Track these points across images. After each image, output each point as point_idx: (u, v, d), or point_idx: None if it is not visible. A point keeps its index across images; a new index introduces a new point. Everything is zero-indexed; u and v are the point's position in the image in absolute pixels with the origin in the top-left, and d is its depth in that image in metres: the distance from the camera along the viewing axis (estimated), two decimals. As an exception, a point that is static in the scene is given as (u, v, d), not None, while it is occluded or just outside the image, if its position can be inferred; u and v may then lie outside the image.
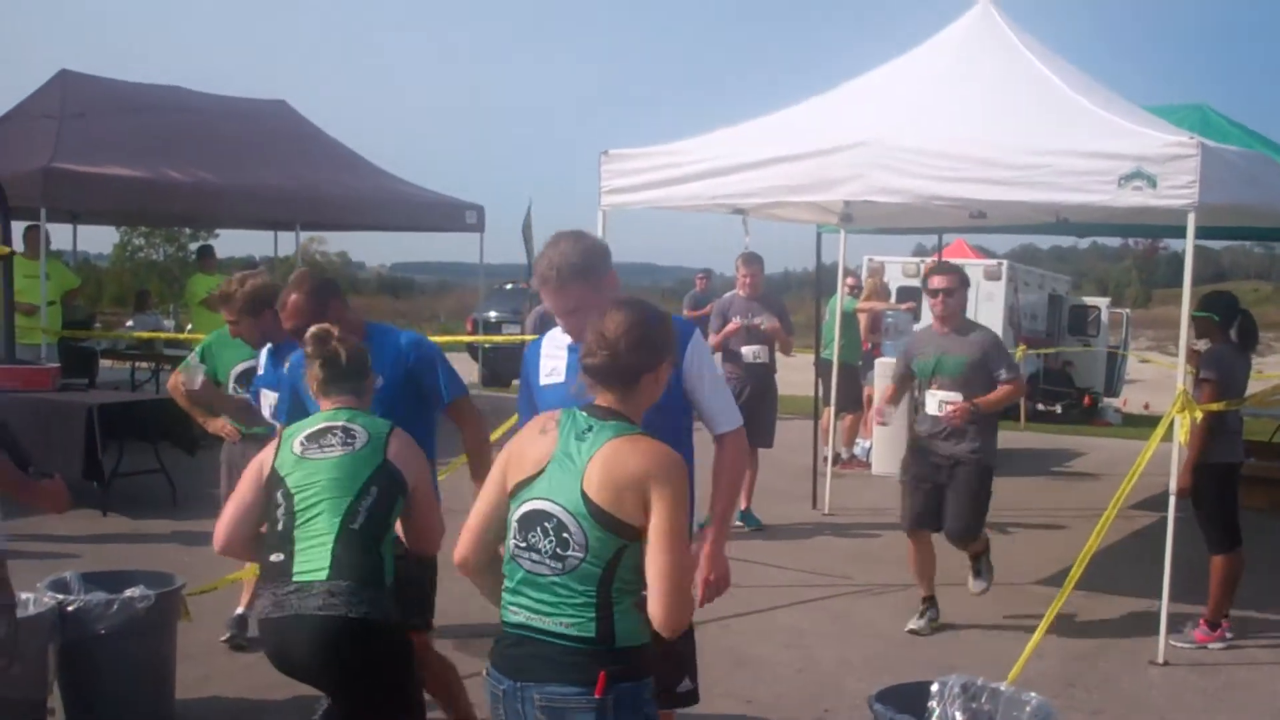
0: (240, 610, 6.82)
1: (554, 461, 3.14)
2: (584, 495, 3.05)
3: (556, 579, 3.08)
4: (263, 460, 4.05)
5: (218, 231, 34.64)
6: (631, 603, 3.10)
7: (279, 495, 3.91)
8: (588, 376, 3.24)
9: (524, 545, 3.14)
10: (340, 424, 4.03)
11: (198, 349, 7.01)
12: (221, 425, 6.85)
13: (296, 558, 3.80)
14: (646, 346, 3.24)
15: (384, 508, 3.90)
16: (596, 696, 3.01)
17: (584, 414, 3.20)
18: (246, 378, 6.60)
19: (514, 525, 3.19)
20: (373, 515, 3.86)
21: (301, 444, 3.97)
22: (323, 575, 3.75)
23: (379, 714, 3.91)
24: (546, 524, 3.09)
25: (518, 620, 3.15)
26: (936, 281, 7.30)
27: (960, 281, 7.34)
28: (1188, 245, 6.81)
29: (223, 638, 6.72)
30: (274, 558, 3.87)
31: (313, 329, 4.21)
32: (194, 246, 33.77)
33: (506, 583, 3.21)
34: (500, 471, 3.28)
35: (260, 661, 6.39)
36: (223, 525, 4.05)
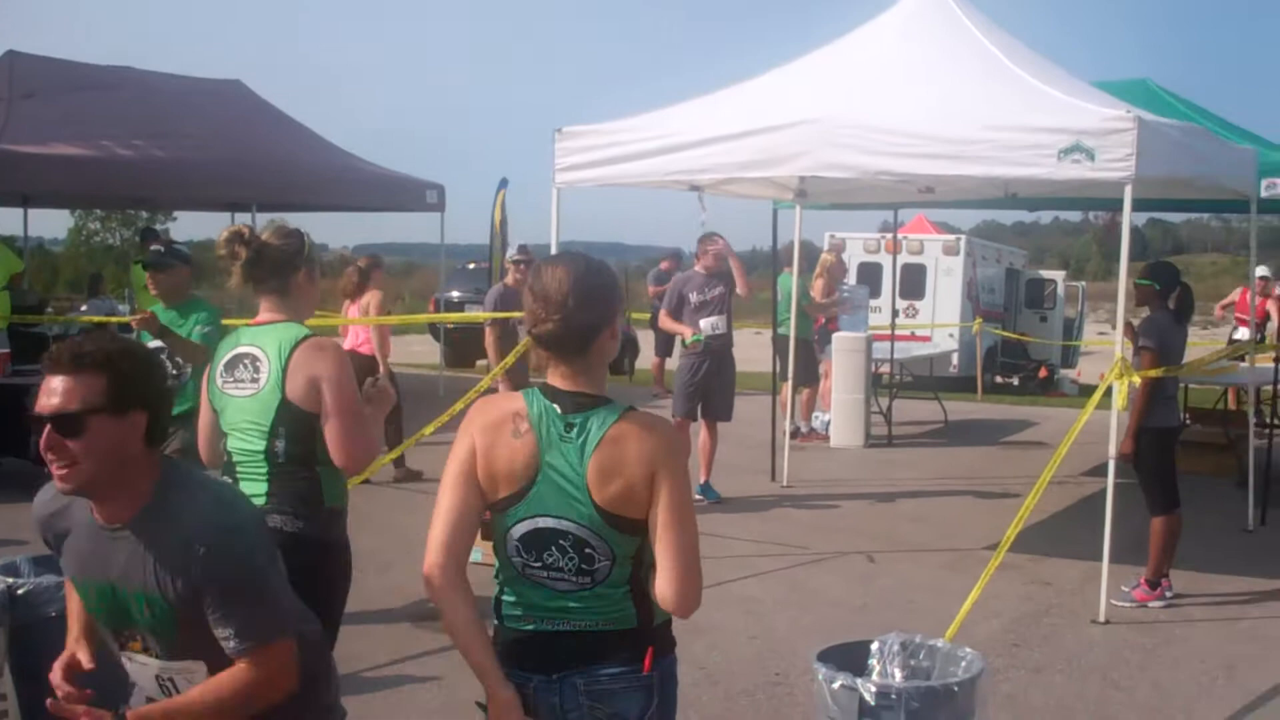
0: None
1: (544, 473, 2.86)
2: (595, 507, 2.83)
3: (585, 591, 2.89)
4: (205, 383, 4.25)
5: (175, 214, 34.44)
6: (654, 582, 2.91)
7: (219, 424, 4.15)
8: (540, 348, 2.92)
9: (539, 565, 2.89)
10: (249, 351, 4.09)
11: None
12: None
13: (240, 483, 4.04)
14: (596, 300, 2.91)
15: (300, 440, 3.99)
16: (645, 673, 2.90)
17: (554, 406, 2.89)
18: None
19: (515, 542, 2.90)
20: (291, 450, 4.00)
21: (221, 374, 4.14)
22: (260, 501, 3.99)
23: None
24: (563, 542, 2.86)
25: (543, 629, 2.92)
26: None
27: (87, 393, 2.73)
28: (1125, 217, 6.97)
29: None
30: (225, 479, 4.11)
31: (226, 231, 4.14)
32: (151, 230, 33.46)
33: (516, 597, 2.95)
34: (465, 474, 2.92)
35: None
36: (200, 447, 4.34)
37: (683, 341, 10.20)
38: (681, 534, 2.84)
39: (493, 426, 2.92)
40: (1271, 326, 14.48)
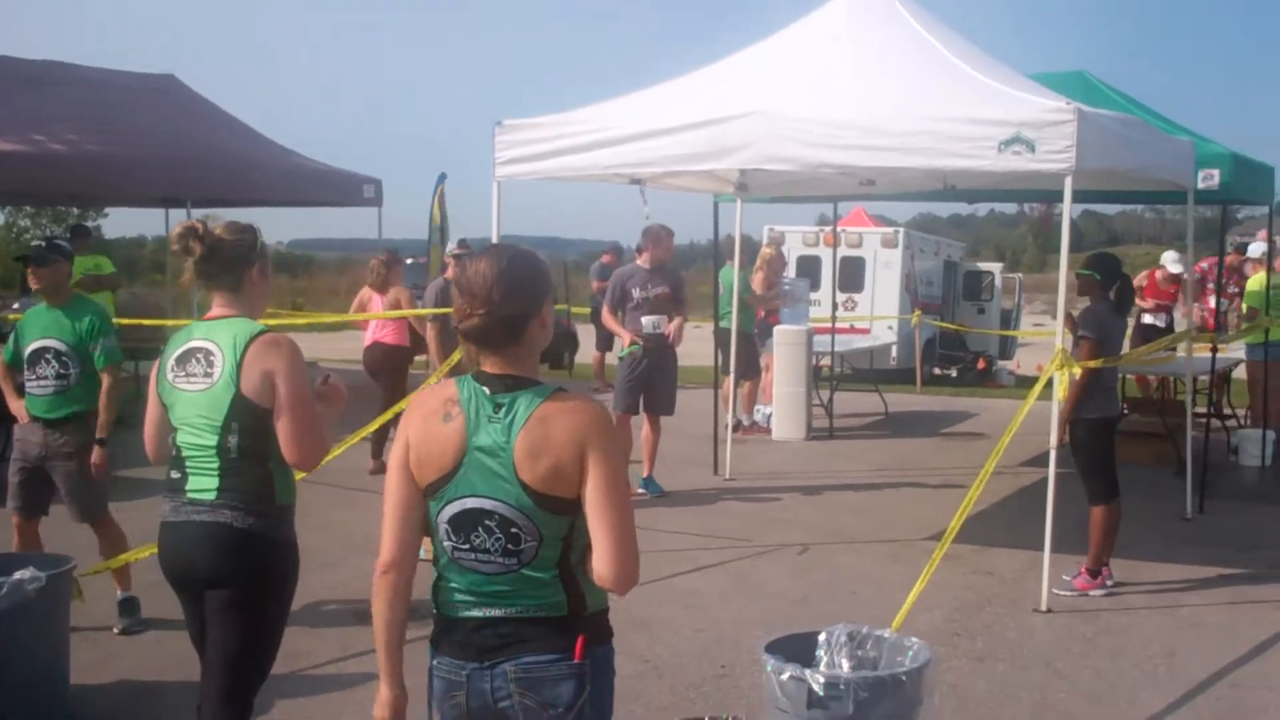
0: (121, 594, 6.74)
1: (471, 454, 2.87)
2: (522, 485, 2.84)
3: (511, 574, 2.90)
4: (153, 377, 4.20)
5: (107, 211, 33.93)
6: (589, 566, 2.92)
7: (168, 419, 4.11)
8: (468, 342, 2.95)
9: (467, 547, 2.90)
10: (202, 345, 4.06)
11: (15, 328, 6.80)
12: (17, 408, 6.66)
13: (189, 478, 4.03)
14: (522, 291, 2.93)
15: (253, 435, 3.99)
16: (577, 661, 2.90)
17: (484, 389, 2.91)
18: (36, 357, 6.43)
19: (444, 526, 2.93)
20: (244, 445, 3.99)
21: (172, 368, 4.10)
22: (211, 496, 3.99)
23: (244, 616, 4.02)
24: (488, 522, 2.87)
25: (475, 615, 2.94)
26: None
27: None
28: (1065, 208, 7.02)
29: (116, 630, 6.65)
30: (173, 474, 4.10)
31: (180, 226, 4.15)
32: (83, 226, 32.87)
33: (448, 582, 2.97)
34: (402, 464, 2.97)
35: (157, 643, 6.44)
36: (147, 442, 4.27)
37: (620, 353, 10.17)
38: (615, 510, 2.85)
39: (427, 415, 2.96)
40: (1181, 312, 14.66)
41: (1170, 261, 14.91)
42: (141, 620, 6.68)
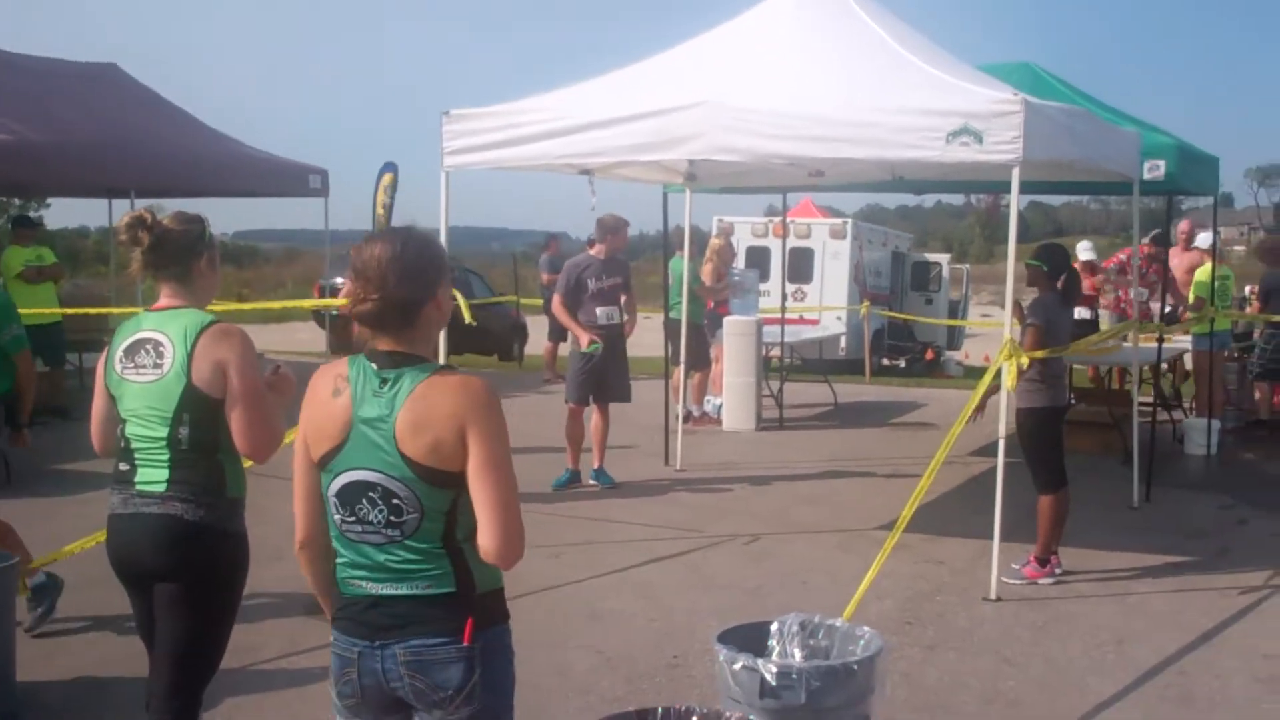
0: (31, 580, 6.51)
1: (356, 428, 2.93)
2: (402, 457, 2.88)
3: (396, 546, 2.93)
4: (100, 369, 4.15)
5: (49, 201, 33.52)
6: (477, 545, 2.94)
7: (116, 410, 4.07)
8: (362, 325, 2.99)
9: (353, 519, 2.96)
10: (151, 336, 4.01)
11: None
12: None
13: (138, 470, 4.00)
14: (417, 275, 2.97)
15: (204, 426, 3.96)
16: (465, 645, 2.91)
17: (372, 365, 2.97)
18: None
19: (333, 500, 2.99)
20: (195, 436, 3.96)
21: (121, 360, 4.05)
22: (161, 488, 3.96)
23: (194, 610, 3.99)
24: (372, 494, 2.92)
25: (365, 592, 2.98)
26: None
27: None
28: (1012, 199, 7.06)
29: (25, 627, 6.39)
30: (121, 466, 4.06)
31: (127, 216, 4.10)
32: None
33: (341, 557, 3.03)
34: (303, 441, 3.06)
35: (103, 638, 6.36)
36: (94, 434, 4.22)
37: (581, 351, 10.07)
38: (495, 485, 2.89)
39: (320, 392, 3.04)
40: (1103, 303, 14.80)
41: (1083, 250, 15.06)
42: (56, 592, 6.50)
